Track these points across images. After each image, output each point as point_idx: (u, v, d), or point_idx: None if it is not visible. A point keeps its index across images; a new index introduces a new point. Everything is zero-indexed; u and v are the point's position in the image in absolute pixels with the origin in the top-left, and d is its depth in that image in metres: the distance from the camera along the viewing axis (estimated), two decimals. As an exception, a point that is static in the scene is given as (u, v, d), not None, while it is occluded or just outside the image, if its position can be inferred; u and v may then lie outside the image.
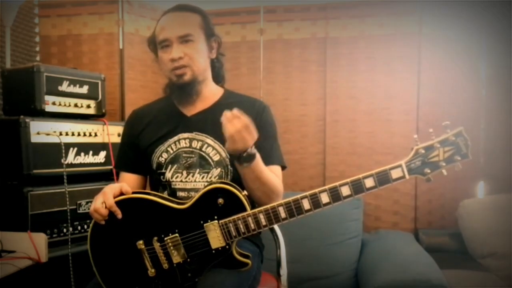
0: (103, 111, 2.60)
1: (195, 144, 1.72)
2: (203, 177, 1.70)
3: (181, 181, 1.72)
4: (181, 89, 1.73)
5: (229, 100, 1.80)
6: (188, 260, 1.54)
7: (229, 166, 1.71)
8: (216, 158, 1.71)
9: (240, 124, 1.48)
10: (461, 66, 3.07)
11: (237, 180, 1.63)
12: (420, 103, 3.08)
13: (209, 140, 1.71)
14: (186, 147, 1.73)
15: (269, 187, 1.63)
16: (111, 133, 2.53)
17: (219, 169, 1.71)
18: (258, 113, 1.76)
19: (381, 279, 2.31)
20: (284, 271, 1.98)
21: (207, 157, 1.71)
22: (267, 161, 1.67)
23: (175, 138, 1.74)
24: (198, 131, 1.73)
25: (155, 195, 1.60)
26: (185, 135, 1.73)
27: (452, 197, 3.08)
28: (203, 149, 1.71)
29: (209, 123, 1.73)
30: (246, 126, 1.48)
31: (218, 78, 1.86)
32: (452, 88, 3.08)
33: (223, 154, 1.70)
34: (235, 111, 1.49)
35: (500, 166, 3.05)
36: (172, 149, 1.74)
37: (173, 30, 1.69)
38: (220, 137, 1.70)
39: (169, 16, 1.74)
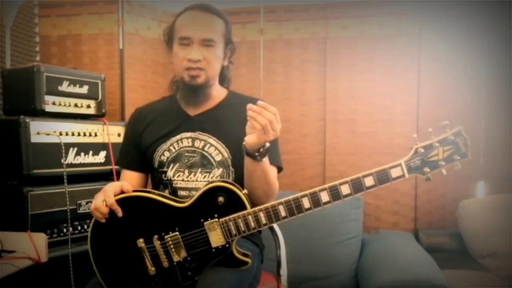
0: (103, 111, 2.61)
1: (197, 143, 1.72)
2: (204, 177, 1.71)
3: (183, 180, 1.72)
4: (191, 89, 1.72)
5: (232, 101, 1.81)
6: (188, 258, 1.54)
7: (230, 167, 1.71)
8: (218, 158, 1.71)
9: (271, 114, 1.46)
10: (461, 66, 3.08)
11: (239, 180, 1.63)
12: (420, 103, 3.08)
13: (212, 140, 1.71)
14: (188, 146, 1.72)
15: (271, 187, 1.63)
16: (111, 133, 2.54)
17: (221, 169, 1.71)
18: None
19: (381, 279, 2.31)
20: (284, 271, 1.98)
21: (209, 157, 1.71)
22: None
23: (178, 137, 1.74)
24: (201, 131, 1.73)
25: (155, 194, 1.60)
26: (188, 134, 1.73)
27: (452, 197, 3.08)
28: (206, 148, 1.71)
29: (212, 123, 1.74)
30: (276, 114, 1.47)
31: (224, 81, 1.85)
32: (452, 88, 3.08)
33: (225, 155, 1.70)
34: (261, 102, 1.48)
35: (500, 166, 3.05)
36: (174, 148, 1.74)
37: (198, 31, 1.67)
38: (223, 137, 1.71)
39: (194, 14, 1.72)
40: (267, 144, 1.53)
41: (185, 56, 1.67)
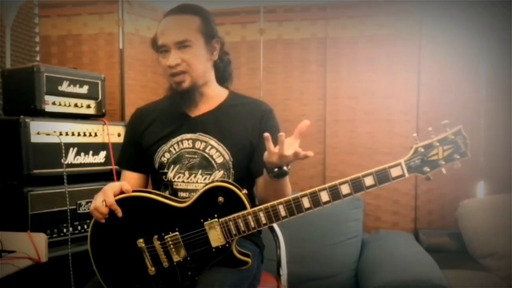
0: (103, 111, 2.60)
1: (198, 145, 1.72)
2: (205, 179, 1.70)
3: (183, 181, 1.72)
4: (183, 94, 1.72)
5: (234, 102, 1.80)
6: (188, 258, 1.54)
7: (231, 169, 1.70)
8: (220, 160, 1.70)
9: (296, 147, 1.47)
10: (461, 66, 3.08)
11: (239, 182, 1.62)
12: (420, 103, 3.08)
13: (213, 142, 1.71)
14: (189, 148, 1.72)
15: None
16: (111, 133, 2.53)
17: (221, 172, 1.70)
18: (264, 117, 1.76)
19: (381, 279, 2.31)
20: (284, 271, 1.98)
21: (210, 158, 1.70)
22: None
23: (178, 138, 1.73)
24: (202, 132, 1.72)
25: (155, 194, 1.60)
26: (188, 135, 1.73)
27: (452, 197, 3.08)
28: (207, 150, 1.71)
29: (213, 124, 1.73)
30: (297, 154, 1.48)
31: (223, 79, 1.84)
32: (452, 88, 3.08)
33: (227, 157, 1.70)
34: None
35: (500, 166, 3.05)
36: (174, 149, 1.73)
37: (170, 36, 1.67)
38: (224, 139, 1.70)
39: (168, 20, 1.72)
40: (285, 168, 1.52)
41: (166, 63, 1.68)
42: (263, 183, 1.65)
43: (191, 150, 1.72)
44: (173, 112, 1.79)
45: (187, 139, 1.73)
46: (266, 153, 1.51)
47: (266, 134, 1.48)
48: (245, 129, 1.73)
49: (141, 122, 1.83)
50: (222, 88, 1.83)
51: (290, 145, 1.46)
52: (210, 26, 1.73)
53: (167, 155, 1.74)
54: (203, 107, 1.77)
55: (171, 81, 1.71)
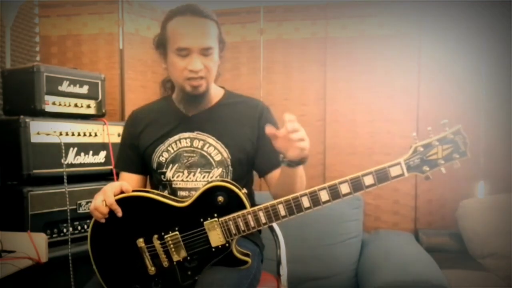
0: (103, 111, 2.61)
1: (196, 143, 1.72)
2: (204, 177, 1.70)
3: (182, 180, 1.72)
4: (192, 97, 1.71)
5: (230, 101, 1.81)
6: (188, 258, 1.54)
7: (230, 167, 1.71)
8: (218, 158, 1.71)
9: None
10: (461, 66, 3.07)
11: (238, 180, 1.63)
12: (420, 103, 3.08)
13: (211, 140, 1.71)
14: (187, 147, 1.72)
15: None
16: (111, 133, 2.54)
17: (220, 169, 1.71)
18: (261, 115, 1.76)
19: (381, 279, 2.31)
20: (284, 271, 1.98)
21: (208, 156, 1.71)
22: (273, 164, 1.70)
23: (176, 137, 1.74)
24: (200, 131, 1.73)
25: (155, 193, 1.60)
26: (186, 134, 1.73)
27: (452, 197, 3.07)
28: (205, 148, 1.71)
29: (210, 123, 1.74)
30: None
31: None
32: (452, 88, 3.08)
33: (225, 154, 1.70)
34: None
35: (500, 166, 3.05)
36: (172, 148, 1.74)
37: (196, 41, 1.63)
38: (222, 136, 1.71)
39: (188, 21, 1.66)
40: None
41: (185, 66, 1.64)
42: (280, 178, 1.64)
43: (190, 148, 1.72)
44: (170, 111, 1.80)
45: (185, 138, 1.73)
46: (293, 151, 1.49)
47: (270, 129, 1.48)
48: (243, 127, 1.74)
49: (137, 125, 1.83)
50: (217, 87, 1.84)
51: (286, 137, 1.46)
52: (222, 33, 1.73)
53: (165, 154, 1.74)
54: (200, 106, 1.77)
55: (186, 84, 1.67)
